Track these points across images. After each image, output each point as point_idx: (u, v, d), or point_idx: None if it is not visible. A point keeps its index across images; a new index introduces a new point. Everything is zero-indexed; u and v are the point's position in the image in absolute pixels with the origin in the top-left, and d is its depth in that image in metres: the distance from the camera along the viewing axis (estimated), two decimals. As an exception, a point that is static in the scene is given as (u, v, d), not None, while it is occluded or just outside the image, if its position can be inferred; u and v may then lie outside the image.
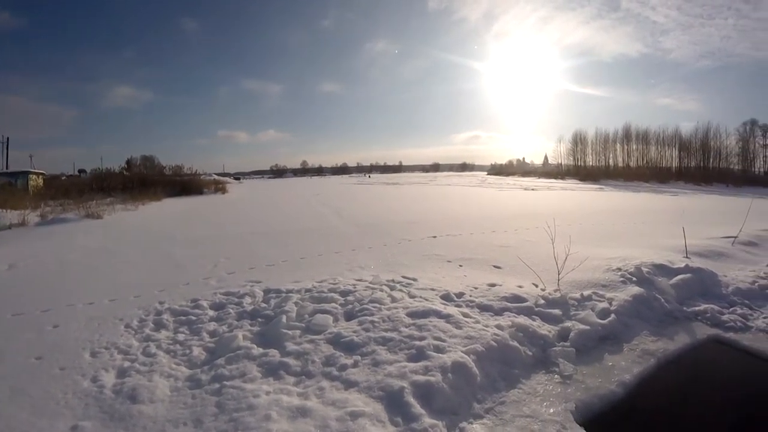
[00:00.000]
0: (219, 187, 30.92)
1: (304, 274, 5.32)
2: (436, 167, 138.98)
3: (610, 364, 3.45)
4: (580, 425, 2.68)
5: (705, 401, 3.15)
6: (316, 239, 8.24)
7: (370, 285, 4.57)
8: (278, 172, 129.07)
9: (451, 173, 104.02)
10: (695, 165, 55.53)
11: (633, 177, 51.03)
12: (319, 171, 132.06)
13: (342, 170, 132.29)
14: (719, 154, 55.62)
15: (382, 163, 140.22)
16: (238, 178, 73.89)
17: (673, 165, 57.53)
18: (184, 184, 27.96)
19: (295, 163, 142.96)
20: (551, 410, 2.76)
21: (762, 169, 54.13)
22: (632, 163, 59.85)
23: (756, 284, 5.68)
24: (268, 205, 19.13)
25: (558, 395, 2.93)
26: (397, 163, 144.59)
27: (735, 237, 8.69)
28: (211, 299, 4.41)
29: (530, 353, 3.42)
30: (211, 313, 4.07)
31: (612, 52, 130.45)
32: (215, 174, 50.57)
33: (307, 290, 4.43)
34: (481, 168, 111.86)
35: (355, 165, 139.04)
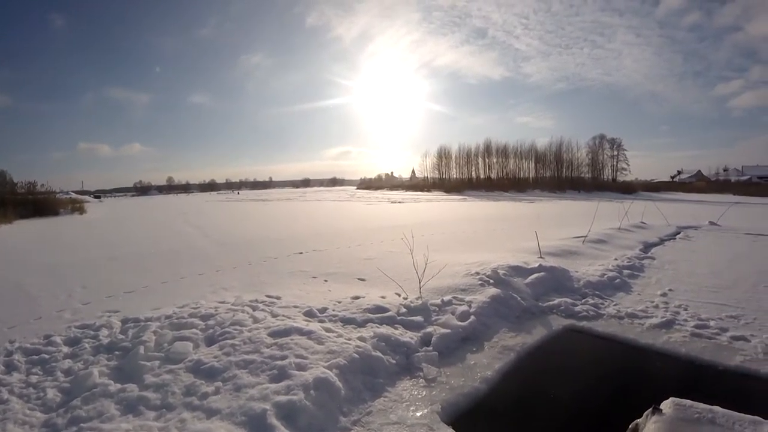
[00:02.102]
0: (77, 207, 37.57)
1: (164, 299, 6.42)
2: (306, 182, 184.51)
3: (473, 362, 4.68)
4: (448, 425, 3.54)
5: (565, 385, 4.42)
6: (179, 261, 10.02)
7: (232, 307, 5.64)
8: (142, 190, 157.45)
9: (321, 188, 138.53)
10: (550, 175, 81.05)
11: (494, 187, 74.40)
12: (186, 188, 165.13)
13: (210, 187, 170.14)
14: (572, 164, 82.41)
15: (252, 179, 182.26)
16: (98, 197, 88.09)
17: (530, 175, 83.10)
18: (38, 204, 33.30)
19: (160, 180, 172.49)
20: (418, 414, 3.63)
21: (610, 177, 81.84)
22: (493, 175, 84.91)
23: (605, 276, 8.18)
24: (130, 226, 22.77)
25: (424, 399, 3.86)
26: (267, 179, 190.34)
27: (585, 236, 12.20)
28: (65, 334, 5.24)
29: (394, 361, 4.45)
30: (65, 349, 4.80)
31: (477, 74, 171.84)
32: (73, 192, 60.36)
33: (167, 317, 5.35)
34: (350, 182, 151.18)
35: (224, 181, 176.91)
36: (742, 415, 2.90)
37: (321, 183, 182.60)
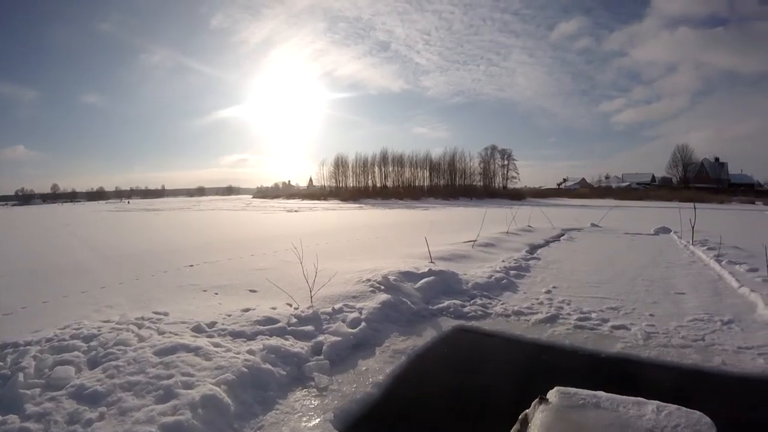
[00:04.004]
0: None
1: (46, 320, 5.96)
2: (201, 191, 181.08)
3: (364, 368, 4.72)
4: (342, 432, 3.52)
5: (456, 383, 4.62)
6: (62, 278, 9.32)
7: (117, 326, 5.36)
8: (25, 198, 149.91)
9: (216, 197, 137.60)
10: (444, 183, 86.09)
11: (390, 196, 79.04)
12: (73, 196, 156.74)
13: (99, 195, 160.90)
14: (465, 173, 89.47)
15: (144, 187, 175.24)
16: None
17: (425, 184, 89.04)
18: None
19: (45, 187, 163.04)
20: (311, 424, 3.63)
21: (501, 184, 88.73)
22: (389, 184, 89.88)
23: (493, 277, 8.58)
24: (6, 239, 21.24)
25: (316, 408, 3.88)
26: (159, 187, 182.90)
27: (475, 241, 12.75)
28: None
29: (284, 372, 4.44)
30: (-66, 384, 4.26)
31: (378, 86, 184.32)
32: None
33: (48, 340, 4.98)
34: (247, 191, 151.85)
35: (114, 189, 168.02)
36: (626, 397, 3.03)
37: (216, 192, 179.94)
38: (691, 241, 14.10)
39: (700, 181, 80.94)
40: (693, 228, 14.57)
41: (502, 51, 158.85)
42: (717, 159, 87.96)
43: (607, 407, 2.92)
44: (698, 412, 2.84)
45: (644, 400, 2.98)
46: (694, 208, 16.49)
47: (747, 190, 76.87)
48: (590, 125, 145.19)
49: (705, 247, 12.66)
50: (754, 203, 58.54)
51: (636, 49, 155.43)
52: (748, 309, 6.74)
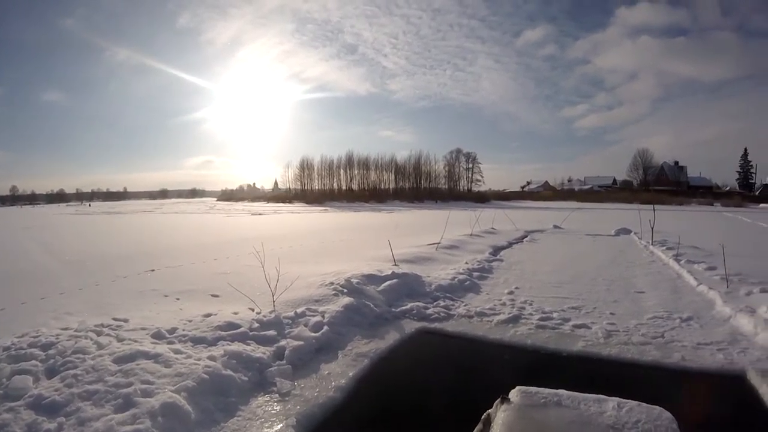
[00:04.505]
0: None
1: (2, 329, 5.81)
2: (164, 194, 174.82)
3: (327, 372, 4.67)
4: (305, 437, 3.49)
5: (419, 385, 4.65)
6: (20, 284, 9.10)
7: (75, 333, 5.24)
8: None
9: (179, 200, 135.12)
10: (409, 186, 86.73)
11: (355, 199, 79.01)
12: (32, 198, 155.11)
13: (59, 198, 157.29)
14: (430, 176, 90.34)
15: (105, 189, 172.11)
16: None
17: (390, 187, 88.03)
18: None
19: (3, 189, 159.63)
20: (273, 430, 3.62)
21: (465, 187, 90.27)
22: (354, 187, 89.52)
23: (456, 279, 8.60)
24: None
25: (278, 413, 3.84)
26: (122, 189, 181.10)
27: (438, 243, 12.79)
28: None
29: (246, 378, 4.38)
30: None
31: (345, 88, 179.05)
32: None
33: (5, 348, 4.88)
34: (211, 194, 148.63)
35: (75, 191, 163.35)
36: (587, 395, 3.05)
37: (180, 194, 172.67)
38: (650, 242, 14.51)
39: (660, 184, 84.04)
40: (652, 229, 15.03)
41: (469, 56, 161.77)
42: (676, 162, 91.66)
43: (568, 405, 2.93)
44: (659, 408, 2.86)
45: (605, 397, 2.99)
46: (654, 210, 16.97)
47: (705, 193, 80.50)
48: (554, 129, 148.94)
49: (664, 247, 13.04)
50: (712, 205, 61.64)
51: (599, 56, 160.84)
52: (706, 306, 6.96)
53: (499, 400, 3.07)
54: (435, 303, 7.18)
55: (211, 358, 4.57)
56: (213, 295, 7.29)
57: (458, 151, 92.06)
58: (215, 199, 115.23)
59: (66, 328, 5.48)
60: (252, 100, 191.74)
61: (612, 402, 2.93)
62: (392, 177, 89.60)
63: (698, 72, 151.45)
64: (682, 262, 10.46)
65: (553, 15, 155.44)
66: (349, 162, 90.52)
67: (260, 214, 43.84)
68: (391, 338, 5.76)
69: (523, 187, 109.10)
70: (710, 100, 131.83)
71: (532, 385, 3.20)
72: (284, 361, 4.76)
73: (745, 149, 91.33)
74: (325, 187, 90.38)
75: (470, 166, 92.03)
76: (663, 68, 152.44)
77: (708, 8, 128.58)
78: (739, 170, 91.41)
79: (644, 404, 2.90)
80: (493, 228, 19.10)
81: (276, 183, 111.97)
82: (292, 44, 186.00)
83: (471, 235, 15.88)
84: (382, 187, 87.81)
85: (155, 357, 4.45)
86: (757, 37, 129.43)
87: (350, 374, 4.63)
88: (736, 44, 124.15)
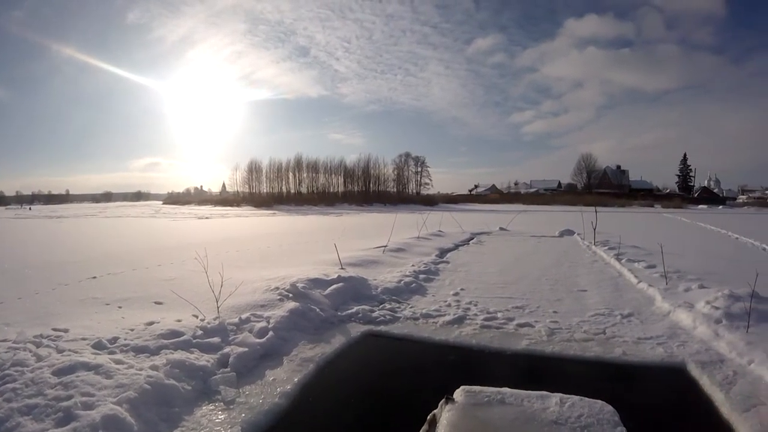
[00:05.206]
0: None
1: None
2: (108, 197, 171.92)
3: (272, 379, 4.61)
4: (249, 446, 3.41)
5: (365, 388, 4.62)
6: None
7: (14, 345, 5.07)
8: None
9: (124, 203, 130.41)
10: (358, 189, 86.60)
11: (304, 202, 78.45)
12: None
13: None
14: (379, 179, 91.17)
15: (47, 192, 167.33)
16: None
17: (339, 190, 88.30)
18: None
19: None
20: None
21: (414, 191, 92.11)
22: (303, 190, 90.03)
23: (402, 282, 8.62)
24: None
25: (223, 422, 3.77)
26: (64, 192, 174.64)
27: (385, 246, 12.82)
28: None
29: (190, 387, 4.30)
30: None
31: (296, 91, 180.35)
32: None
33: None
34: (157, 197, 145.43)
35: (14, 194, 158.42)
36: (530, 392, 3.12)
37: (125, 197, 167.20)
38: (593, 242, 15.04)
39: (603, 187, 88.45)
40: (595, 230, 15.59)
41: (420, 62, 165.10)
42: (619, 167, 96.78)
43: (511, 402, 2.98)
44: (600, 401, 2.96)
45: (548, 393, 3.07)
46: (596, 212, 17.68)
47: (646, 195, 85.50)
48: (502, 135, 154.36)
49: (606, 247, 13.55)
50: (653, 206, 65.39)
51: (547, 65, 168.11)
52: (646, 302, 7.28)
53: (443, 400, 3.10)
54: (381, 306, 7.19)
55: (154, 367, 4.47)
56: (156, 303, 7.12)
57: (407, 155, 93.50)
58: (161, 202, 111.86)
59: (4, 340, 5.26)
60: (201, 100, 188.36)
61: (555, 398, 3.00)
62: (341, 180, 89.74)
63: (641, 81, 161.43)
64: (623, 261, 10.90)
65: (503, 24, 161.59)
66: (298, 165, 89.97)
67: (207, 217, 42.95)
68: (336, 342, 5.72)
69: (471, 191, 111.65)
70: (651, 108, 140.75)
71: (477, 385, 3.25)
72: (228, 369, 4.68)
73: (685, 154, 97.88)
74: (273, 190, 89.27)
75: (419, 169, 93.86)
76: (608, 77, 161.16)
77: (653, 22, 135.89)
78: (678, 174, 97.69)
79: (586, 399, 2.98)
80: (440, 231, 19.30)
81: (224, 186, 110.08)
82: (244, 45, 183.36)
83: (418, 237, 15.99)
84: (331, 190, 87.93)
85: (96, 368, 4.33)
86: (698, 51, 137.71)
87: (295, 380, 4.58)
88: (678, 57, 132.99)
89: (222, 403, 4.08)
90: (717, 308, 6.08)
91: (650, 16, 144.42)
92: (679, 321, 6.22)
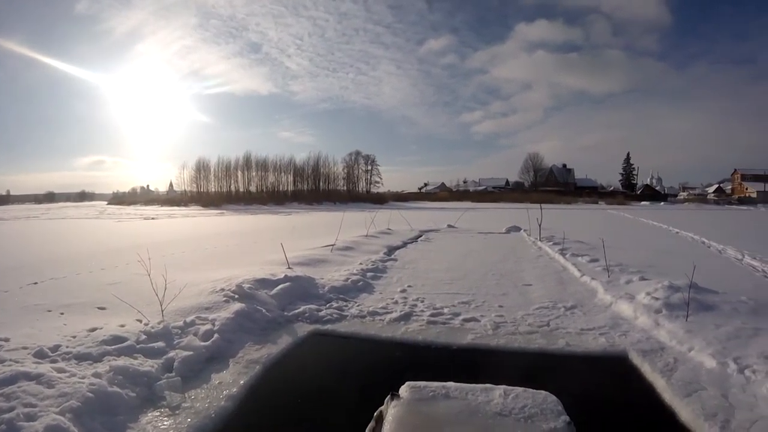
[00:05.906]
0: None
1: None
2: (51, 197, 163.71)
3: (218, 382, 4.54)
4: (196, 451, 3.35)
5: (312, 387, 4.63)
6: None
7: None
8: None
9: (68, 204, 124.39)
10: (308, 188, 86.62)
11: (253, 201, 78.17)
12: None
13: None
14: (329, 178, 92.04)
15: None
16: None
17: (289, 189, 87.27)
18: None
19: None
20: None
21: (364, 189, 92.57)
22: (253, 189, 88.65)
23: (349, 280, 8.63)
24: None
25: (169, 428, 3.73)
26: (4, 193, 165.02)
27: (333, 244, 12.81)
28: None
29: (134, 394, 4.23)
30: None
31: (246, 88, 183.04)
32: None
33: None
34: (103, 197, 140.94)
35: None
36: (474, 385, 3.14)
37: (68, 197, 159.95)
38: (539, 238, 15.46)
39: (550, 185, 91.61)
40: (540, 226, 16.07)
41: (372, 61, 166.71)
42: (564, 165, 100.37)
43: (456, 396, 3.01)
44: (544, 392, 3.02)
45: (492, 386, 3.10)
46: (541, 209, 18.11)
47: (591, 192, 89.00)
48: (451, 134, 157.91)
49: (551, 243, 13.98)
50: (597, 203, 68.14)
51: (496, 67, 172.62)
52: (589, 295, 7.55)
53: (389, 396, 3.10)
54: (328, 305, 7.16)
55: (96, 375, 4.37)
56: (99, 308, 6.91)
57: (357, 153, 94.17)
58: (106, 202, 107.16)
59: (-58, 352, 4.99)
60: (149, 96, 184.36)
61: (498, 390, 3.04)
62: (291, 179, 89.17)
63: (588, 84, 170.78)
64: (567, 255, 11.25)
65: (455, 26, 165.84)
66: (247, 163, 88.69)
67: (153, 218, 41.76)
68: (283, 343, 5.68)
69: (420, 189, 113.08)
70: (597, 110, 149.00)
71: (424, 380, 3.27)
72: (173, 373, 4.59)
73: (628, 154, 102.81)
74: (222, 190, 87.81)
75: (369, 168, 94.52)
76: (555, 80, 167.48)
77: (601, 29, 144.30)
78: (622, 172, 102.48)
79: (530, 390, 3.04)
80: (389, 228, 19.41)
81: (171, 185, 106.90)
82: (194, 39, 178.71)
83: (366, 236, 16.02)
84: (281, 189, 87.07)
85: (37, 377, 4.21)
86: (643, 56, 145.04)
87: (242, 382, 4.54)
88: (623, 62, 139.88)
89: (167, 409, 4.03)
90: (657, 299, 6.36)
91: (598, 22, 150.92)
92: (620, 312, 6.48)
